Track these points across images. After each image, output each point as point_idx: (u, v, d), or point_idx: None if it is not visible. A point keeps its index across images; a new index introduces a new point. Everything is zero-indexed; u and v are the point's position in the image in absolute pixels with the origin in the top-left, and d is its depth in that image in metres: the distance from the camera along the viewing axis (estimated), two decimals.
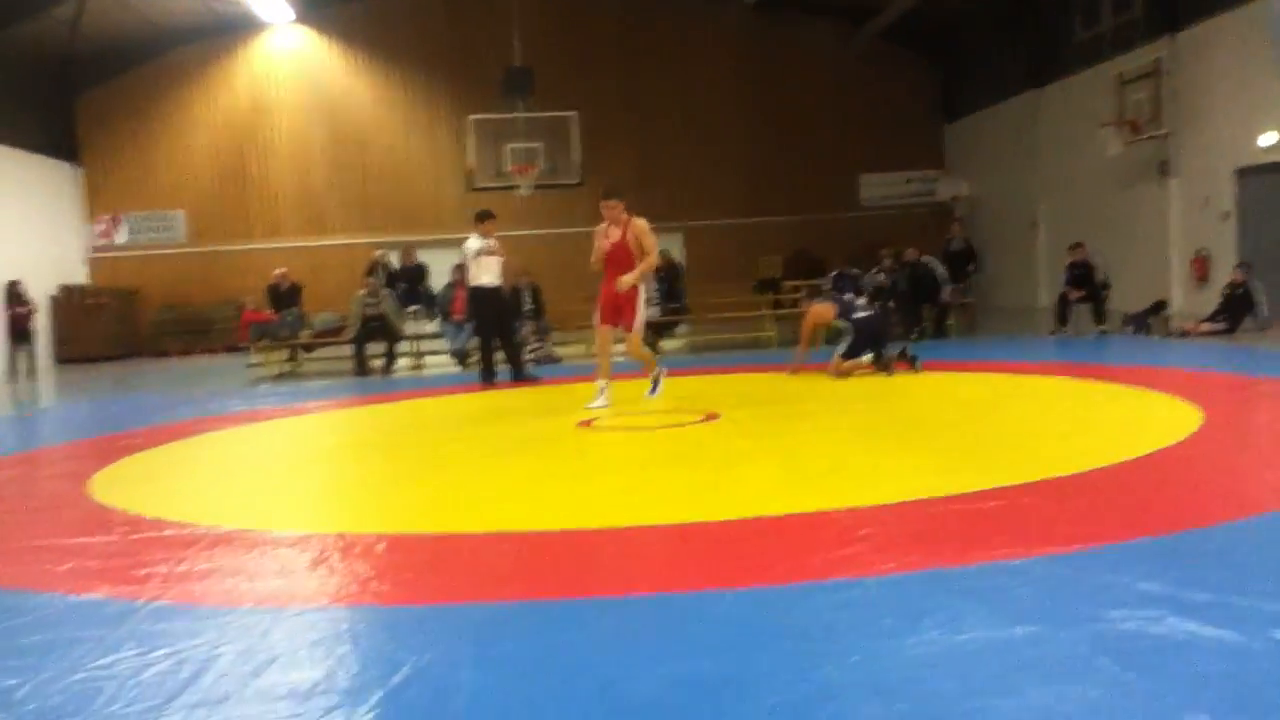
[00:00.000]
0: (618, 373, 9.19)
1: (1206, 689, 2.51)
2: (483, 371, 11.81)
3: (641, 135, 24.89)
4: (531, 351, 14.66)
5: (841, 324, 10.14)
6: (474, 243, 11.57)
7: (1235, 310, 12.87)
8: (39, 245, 21.55)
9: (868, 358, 10.05)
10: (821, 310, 10.64)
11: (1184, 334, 12.82)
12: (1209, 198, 16.50)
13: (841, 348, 10.02)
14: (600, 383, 8.79)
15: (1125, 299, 15.38)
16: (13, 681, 2.98)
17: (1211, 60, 16.18)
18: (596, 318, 9.17)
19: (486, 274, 11.59)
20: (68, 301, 22.07)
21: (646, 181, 24.69)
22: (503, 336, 11.96)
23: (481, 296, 11.72)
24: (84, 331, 22.03)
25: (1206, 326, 12.81)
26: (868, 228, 24.13)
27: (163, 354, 22.84)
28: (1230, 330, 12.66)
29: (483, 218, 11.72)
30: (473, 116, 20.39)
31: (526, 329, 14.92)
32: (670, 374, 9.58)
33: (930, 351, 12.67)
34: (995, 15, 22.48)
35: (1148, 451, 5.49)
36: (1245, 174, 15.77)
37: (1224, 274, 15.66)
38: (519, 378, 11.75)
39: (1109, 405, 7.71)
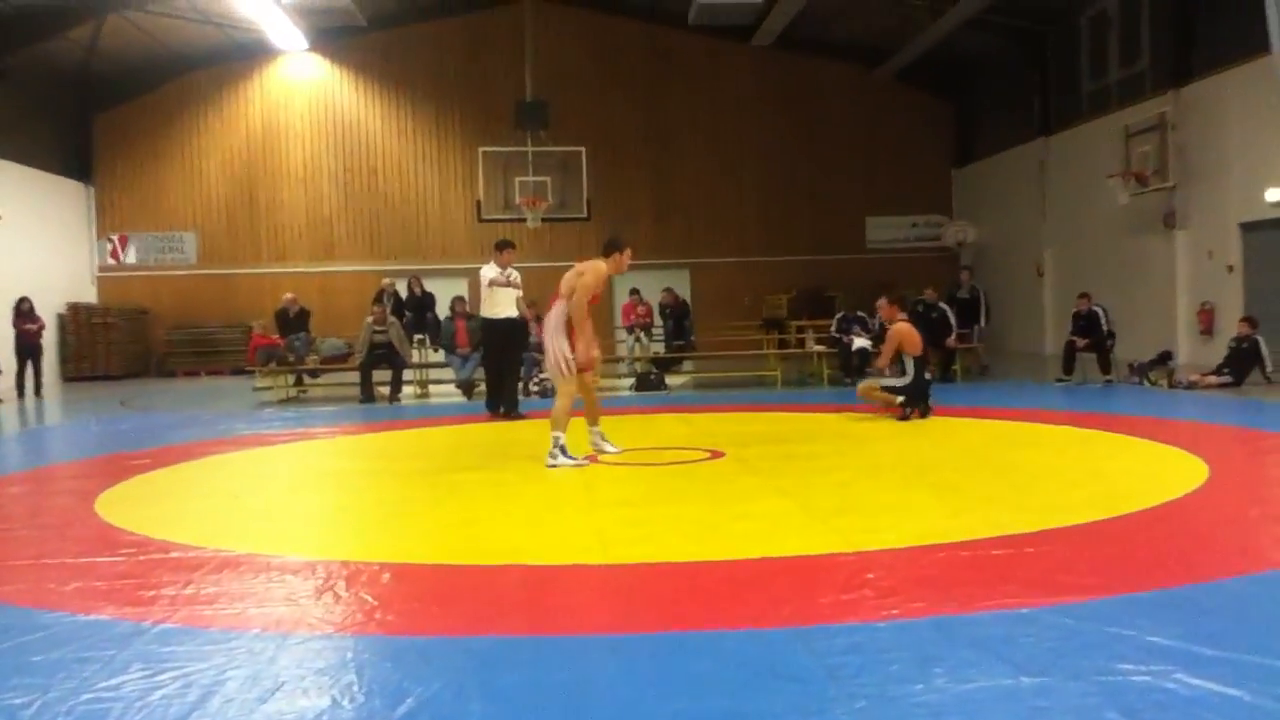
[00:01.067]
0: (626, 406, 9.16)
1: None
2: (489, 401, 11.71)
3: (653, 171, 25.02)
4: (536, 383, 14.67)
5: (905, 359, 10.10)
6: (489, 272, 11.31)
7: (1241, 364, 12.87)
8: (49, 263, 21.63)
9: (899, 399, 9.99)
10: (907, 331, 10.29)
11: (1190, 386, 12.81)
12: (1213, 251, 16.56)
13: (897, 382, 9.98)
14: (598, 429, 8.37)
15: (1131, 349, 15.39)
16: (20, 700, 2.98)
17: (1218, 114, 16.28)
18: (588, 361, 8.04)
19: (500, 305, 11.38)
20: (75, 319, 22.11)
21: (658, 217, 24.85)
22: (507, 368, 11.75)
23: (491, 327, 11.57)
24: (91, 350, 22.07)
25: (1213, 379, 12.81)
26: (874, 270, 24.18)
27: (170, 374, 22.87)
28: (1236, 384, 12.66)
29: (501, 247, 11.44)
30: (483, 149, 20.53)
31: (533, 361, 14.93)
32: (676, 410, 9.57)
33: (937, 396, 12.68)
34: (1007, 63, 22.64)
35: (1155, 504, 5.49)
36: (1251, 228, 15.83)
37: (1230, 326, 15.68)
38: (511, 414, 11.43)
39: (1115, 455, 7.71)
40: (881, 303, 10.62)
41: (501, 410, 11.48)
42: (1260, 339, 12.97)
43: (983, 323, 16.99)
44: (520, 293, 11.54)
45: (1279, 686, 2.85)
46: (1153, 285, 17.83)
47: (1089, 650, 3.18)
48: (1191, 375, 13.29)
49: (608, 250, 8.07)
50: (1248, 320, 13.44)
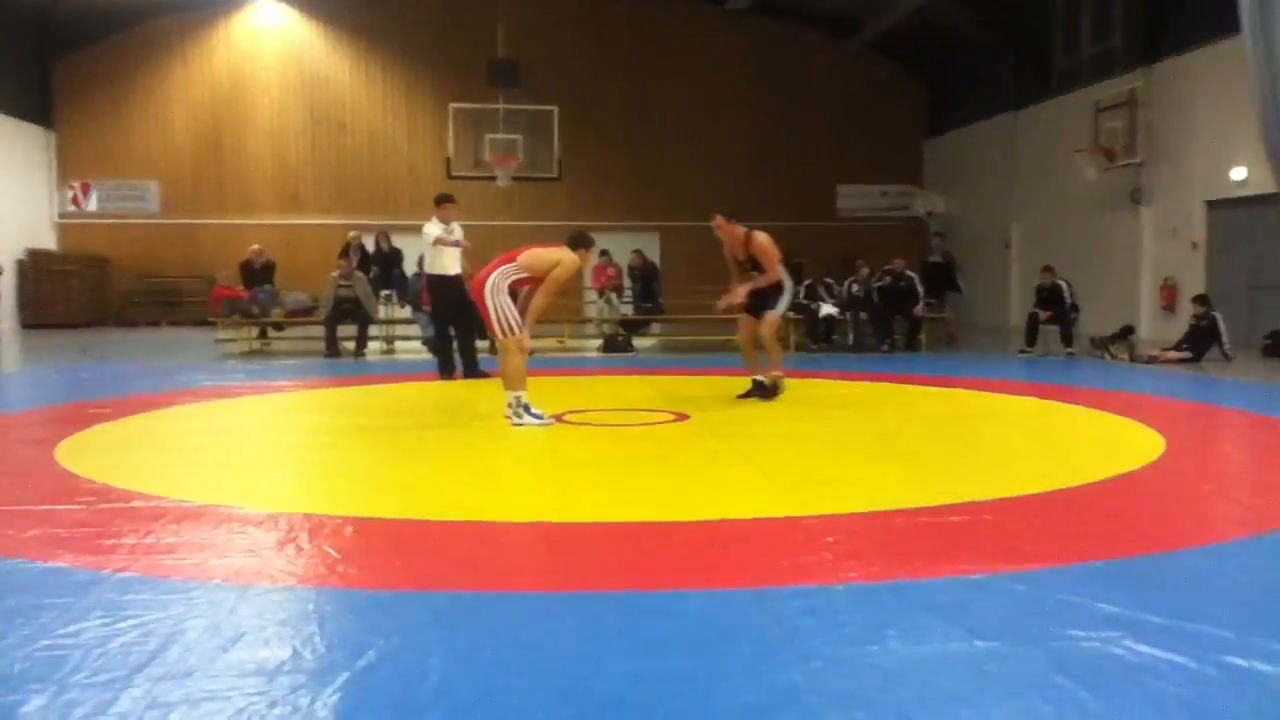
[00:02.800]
0: (593, 367, 9.15)
1: (1160, 713, 2.57)
2: (440, 364, 11.39)
3: (626, 134, 24.93)
4: None
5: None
6: (432, 229, 10.98)
7: (1200, 341, 13.05)
8: (7, 208, 21.30)
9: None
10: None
11: (1150, 360, 12.99)
12: (1177, 228, 16.74)
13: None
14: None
15: (1094, 323, 15.57)
16: None
17: (1187, 93, 16.41)
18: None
19: (445, 262, 11.06)
20: (35, 266, 21.82)
21: (628, 180, 24.77)
22: (459, 328, 11.33)
23: (438, 286, 11.25)
24: (51, 297, 21.83)
25: (1172, 355, 12.99)
26: (844, 238, 24.26)
27: (131, 324, 22.65)
28: (1196, 360, 12.84)
29: (440, 201, 11.14)
30: (453, 105, 20.35)
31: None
32: (642, 372, 9.58)
33: (901, 365, 12.79)
34: (981, 36, 22.67)
35: (1111, 475, 5.57)
36: (1216, 206, 16.02)
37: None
38: (471, 373, 11.17)
39: (1074, 427, 7.82)
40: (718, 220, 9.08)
41: (461, 371, 11.23)
42: (1218, 316, 13.15)
43: (961, 289, 17.34)
44: (468, 245, 11.23)
45: (1223, 654, 2.92)
46: (1117, 260, 18.03)
47: (1040, 616, 3.24)
48: (1152, 350, 13.47)
49: (575, 244, 7.94)
50: (1199, 299, 13.59)
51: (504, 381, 7.65)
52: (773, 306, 8.76)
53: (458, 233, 11.08)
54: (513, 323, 7.56)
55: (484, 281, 7.63)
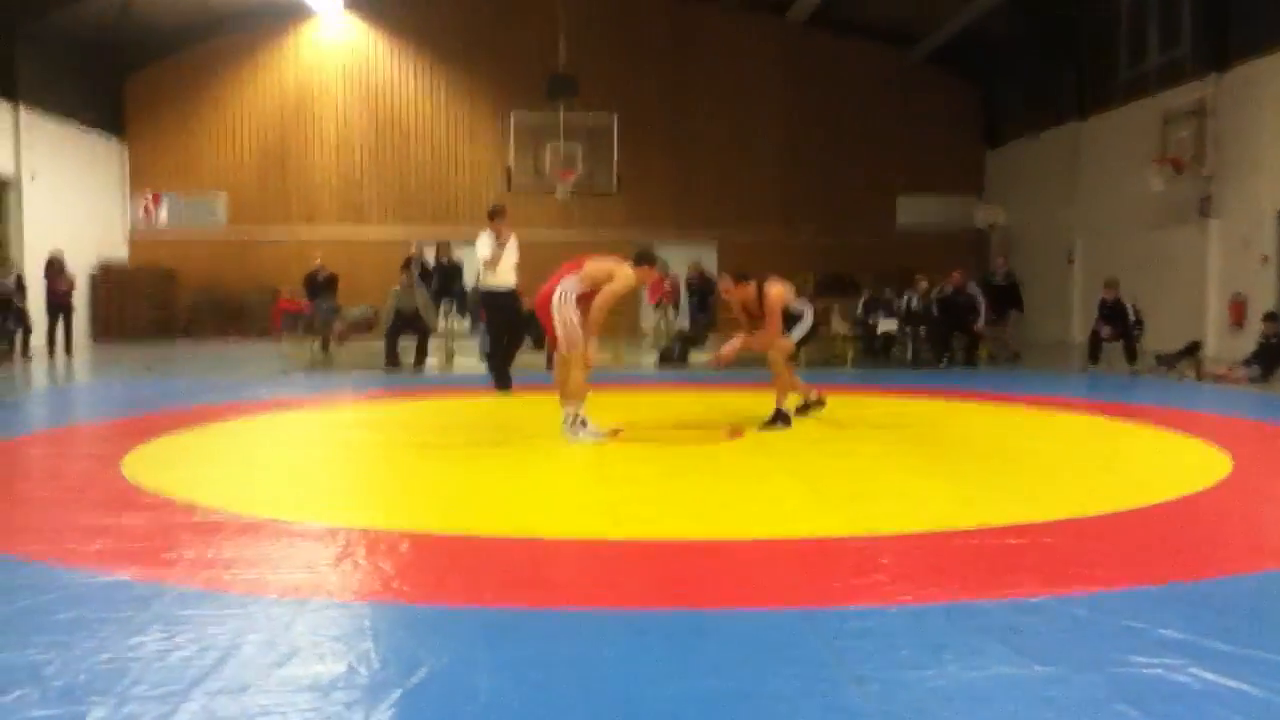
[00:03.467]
0: (647, 382, 9.14)
1: None
2: (496, 378, 11.31)
3: (681, 145, 24.96)
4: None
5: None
6: (483, 246, 10.92)
7: (1270, 358, 12.74)
8: (82, 220, 21.81)
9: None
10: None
11: (1218, 378, 12.70)
12: (1248, 241, 16.37)
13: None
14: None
15: (1159, 339, 15.27)
16: (41, 657, 3.04)
17: (1257, 101, 16.05)
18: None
19: (496, 276, 11.04)
20: (105, 279, 22.31)
21: (684, 191, 24.80)
22: (510, 341, 11.40)
23: (490, 300, 11.31)
24: (120, 310, 22.29)
25: (1241, 372, 12.69)
26: (902, 251, 24.08)
27: (196, 337, 23.07)
28: (1264, 378, 12.53)
29: (492, 215, 11.01)
30: (514, 113, 20.55)
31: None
32: (697, 387, 9.55)
33: (959, 382, 12.64)
34: (1042, 43, 22.39)
35: (1175, 496, 5.46)
36: None
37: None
38: (501, 385, 11.17)
39: (1138, 446, 7.67)
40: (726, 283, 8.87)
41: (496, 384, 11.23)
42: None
43: (1022, 309, 17.08)
44: (516, 258, 11.12)
45: None
46: (1184, 275, 17.66)
47: (1100, 641, 3.18)
48: (1219, 368, 13.16)
49: (639, 260, 7.91)
50: (1270, 316, 13.26)
51: (563, 395, 7.65)
52: (787, 332, 8.57)
53: (510, 247, 11.00)
54: (578, 336, 7.55)
55: (550, 293, 7.63)
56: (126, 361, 16.09)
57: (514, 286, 11.11)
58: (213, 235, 24.39)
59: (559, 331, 7.58)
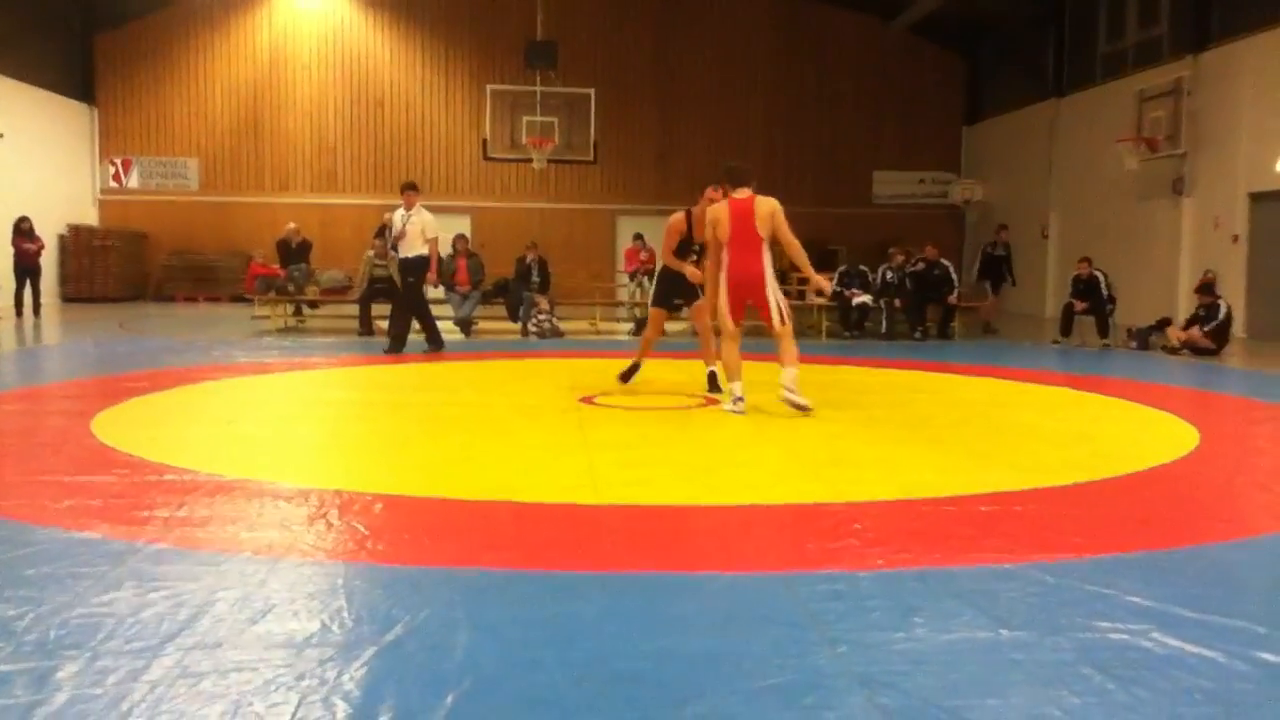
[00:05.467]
0: (624, 350, 9.15)
1: (1188, 706, 2.55)
2: (430, 339, 11.90)
3: (661, 115, 24.84)
4: (536, 324, 14.68)
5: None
6: (396, 221, 11.70)
7: (1220, 334, 12.92)
8: (50, 183, 21.53)
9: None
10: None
11: (1175, 350, 12.87)
12: (1219, 220, 16.50)
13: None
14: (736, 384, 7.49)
15: (1131, 314, 15.40)
16: (14, 612, 3.03)
17: (1233, 82, 16.14)
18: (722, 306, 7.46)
19: (407, 246, 11.61)
20: (76, 241, 22.06)
21: (663, 161, 24.70)
22: (411, 308, 11.95)
23: (403, 268, 11.82)
24: (90, 272, 22.06)
25: (1192, 333, 12.87)
26: (880, 224, 24.12)
27: (168, 299, 22.87)
28: (1216, 352, 12.68)
29: (403, 189, 11.85)
30: (491, 86, 20.36)
31: (538, 300, 14.94)
32: (674, 356, 9.58)
33: (933, 353, 12.72)
34: (1023, 20, 22.40)
35: (1144, 467, 5.53)
36: (1259, 199, 15.76)
37: (1232, 294, 15.70)
38: (398, 348, 11.71)
39: (1107, 418, 7.75)
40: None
41: (389, 348, 11.73)
42: (1221, 303, 13.07)
43: (1011, 281, 17.36)
44: (430, 234, 11.59)
45: (1254, 649, 2.89)
46: (1156, 251, 17.80)
47: (1068, 607, 3.23)
48: (1178, 335, 13.24)
49: (734, 179, 7.45)
50: (1204, 289, 13.47)
51: (789, 363, 7.27)
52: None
53: (415, 220, 11.52)
54: (786, 310, 7.44)
55: (763, 274, 7.37)
56: (96, 322, 15.94)
57: (422, 254, 11.57)
58: (184, 199, 24.12)
59: (771, 310, 7.36)
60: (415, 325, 12.01)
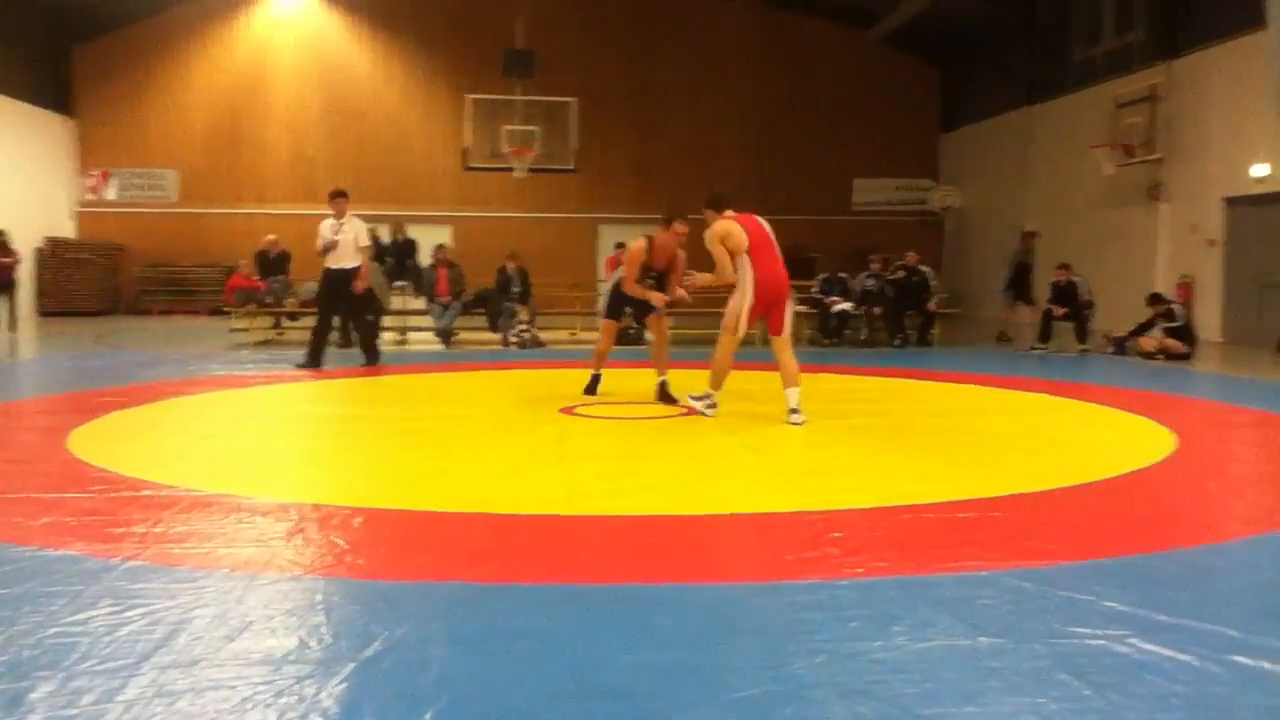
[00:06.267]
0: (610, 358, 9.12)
1: (1163, 710, 2.57)
2: (311, 354, 11.21)
3: (640, 124, 24.86)
4: (516, 335, 14.66)
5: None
6: (326, 230, 11.17)
7: (1187, 337, 13.05)
8: (26, 195, 21.39)
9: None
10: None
11: (1149, 356, 12.97)
12: (1195, 225, 16.63)
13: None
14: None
15: (1109, 319, 15.49)
16: None
17: (1208, 88, 16.28)
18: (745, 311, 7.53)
19: (340, 255, 11.14)
20: (52, 254, 21.93)
21: (644, 169, 24.72)
22: (353, 320, 11.68)
23: (328, 279, 11.32)
24: (67, 285, 21.93)
25: (1162, 341, 13.00)
26: (859, 232, 24.19)
27: (145, 313, 22.74)
28: (1186, 357, 12.79)
29: (332, 197, 11.38)
30: (470, 96, 20.34)
31: (517, 311, 14.91)
32: (653, 365, 9.53)
33: (913, 360, 12.76)
34: (998, 29, 22.55)
35: (1122, 472, 5.56)
36: (1235, 203, 15.89)
37: (1209, 299, 15.82)
38: (372, 362, 11.44)
39: (1085, 424, 7.79)
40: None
41: (365, 361, 11.45)
42: (1175, 307, 13.31)
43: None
44: (364, 242, 11.33)
45: (1229, 653, 2.91)
46: (1133, 257, 17.92)
47: (1045, 614, 3.24)
48: (1150, 342, 13.31)
49: (714, 204, 7.65)
50: (1156, 299, 13.62)
51: (794, 382, 7.42)
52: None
53: (348, 229, 11.15)
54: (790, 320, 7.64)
55: (788, 282, 7.62)
56: (73, 336, 15.83)
57: (356, 266, 11.17)
58: (162, 211, 24.00)
59: (788, 320, 7.61)
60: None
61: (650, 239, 8.40)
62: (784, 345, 7.59)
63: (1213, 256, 16.24)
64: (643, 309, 8.64)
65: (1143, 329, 13.56)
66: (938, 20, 22.73)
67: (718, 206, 7.63)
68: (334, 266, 11.17)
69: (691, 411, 7.72)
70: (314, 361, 11.12)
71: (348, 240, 11.09)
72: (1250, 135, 15.27)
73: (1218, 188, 16.11)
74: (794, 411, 7.34)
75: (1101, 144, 17.88)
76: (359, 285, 11.14)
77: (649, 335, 8.82)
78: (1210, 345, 14.71)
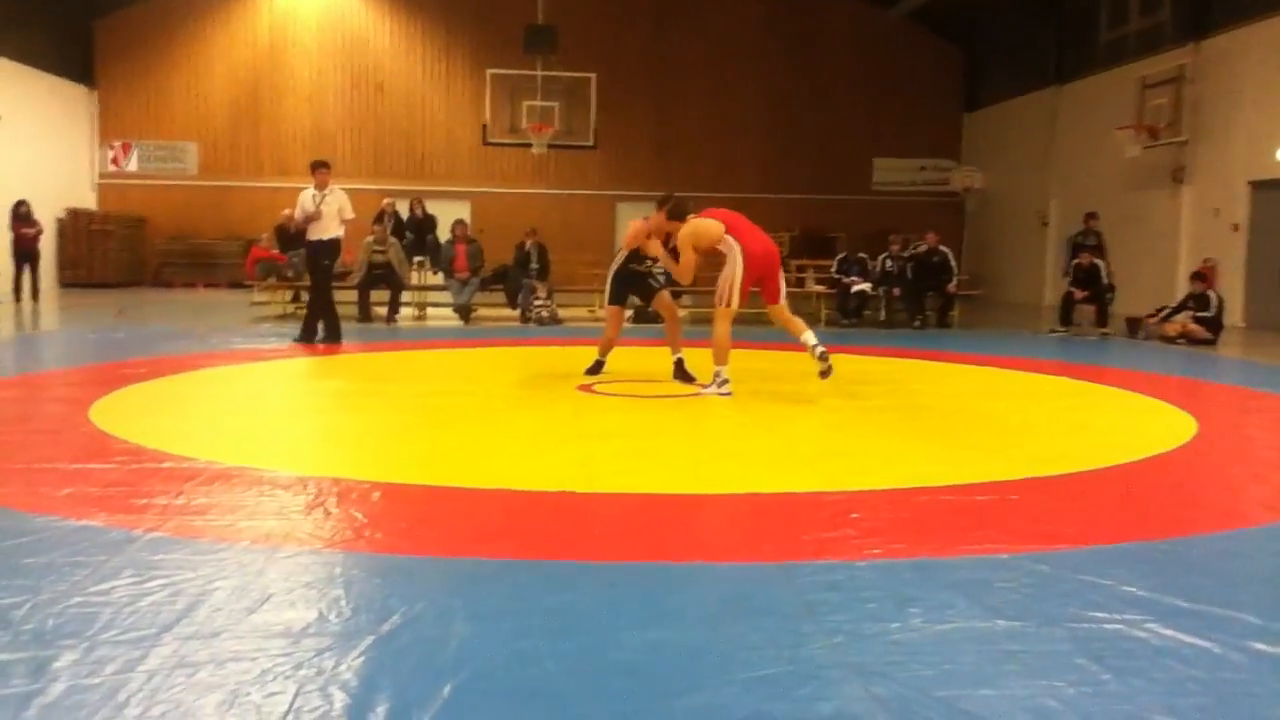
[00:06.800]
0: (622, 338, 9.11)
1: (1180, 695, 2.56)
2: (306, 328, 11.14)
3: (660, 102, 24.77)
4: (535, 312, 14.67)
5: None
6: (307, 201, 10.98)
7: (1214, 324, 12.95)
8: (49, 167, 21.50)
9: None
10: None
11: (1171, 340, 12.89)
12: (1219, 208, 16.48)
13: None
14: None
15: (1130, 303, 15.39)
16: (11, 601, 3.03)
17: (1235, 70, 16.10)
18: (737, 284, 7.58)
19: (324, 226, 10.95)
20: (74, 225, 22.03)
21: (663, 147, 24.64)
22: (319, 294, 11.24)
23: (312, 250, 11.17)
24: (89, 257, 22.04)
25: (1184, 326, 12.89)
26: (879, 212, 24.08)
27: (166, 285, 22.85)
28: (1212, 342, 12.70)
29: (313, 167, 11.14)
30: (491, 71, 20.30)
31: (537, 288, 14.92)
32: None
33: (932, 342, 12.71)
34: (1023, 7, 22.33)
35: (1141, 457, 5.53)
36: (1259, 187, 15.74)
37: (1233, 284, 15.67)
38: (305, 340, 10.97)
39: (1105, 408, 7.75)
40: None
41: (321, 338, 11.06)
42: (1212, 294, 13.11)
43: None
44: (348, 214, 11.08)
45: (1248, 640, 2.90)
46: (1156, 240, 17.78)
47: (1064, 597, 3.23)
48: (1172, 326, 13.22)
49: (677, 216, 7.93)
50: (1198, 276, 13.49)
51: (805, 327, 7.66)
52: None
53: (330, 201, 10.96)
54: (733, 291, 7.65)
55: (776, 251, 7.78)
56: (94, 308, 15.93)
57: (338, 236, 11.01)
58: (184, 183, 24.08)
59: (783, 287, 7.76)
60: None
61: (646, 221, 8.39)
62: (782, 310, 7.75)
63: (1236, 241, 16.10)
64: (646, 291, 8.59)
65: (1175, 311, 13.44)
66: None
67: (680, 218, 7.86)
68: (314, 238, 11.01)
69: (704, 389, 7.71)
70: (310, 335, 11.04)
71: (330, 212, 10.92)
72: (1277, 119, 15.10)
73: (1243, 171, 15.96)
74: (815, 346, 7.47)
75: (1126, 125, 17.71)
76: (346, 259, 11.04)
77: (661, 313, 8.75)
78: (1232, 330, 14.58)
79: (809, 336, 7.58)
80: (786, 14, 24.89)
